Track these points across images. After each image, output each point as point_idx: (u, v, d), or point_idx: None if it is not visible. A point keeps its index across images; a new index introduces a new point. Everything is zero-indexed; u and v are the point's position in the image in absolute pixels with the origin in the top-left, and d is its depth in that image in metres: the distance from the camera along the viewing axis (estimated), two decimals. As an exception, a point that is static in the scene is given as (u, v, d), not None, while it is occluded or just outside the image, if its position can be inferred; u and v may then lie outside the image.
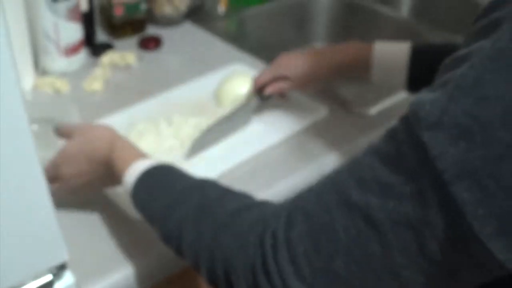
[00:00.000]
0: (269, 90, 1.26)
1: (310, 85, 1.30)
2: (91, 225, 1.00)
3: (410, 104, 0.57)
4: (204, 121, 1.23)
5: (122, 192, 0.92)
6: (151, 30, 1.62)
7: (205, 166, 1.12)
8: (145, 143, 1.15)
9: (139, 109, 1.27)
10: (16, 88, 0.53)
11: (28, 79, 1.30)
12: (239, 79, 1.32)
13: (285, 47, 1.80)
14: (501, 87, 0.51)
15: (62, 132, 1.01)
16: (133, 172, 0.86)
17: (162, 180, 0.84)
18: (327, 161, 1.18)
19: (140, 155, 0.90)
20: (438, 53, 1.10)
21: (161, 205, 0.81)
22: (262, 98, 1.28)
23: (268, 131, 1.25)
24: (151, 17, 1.63)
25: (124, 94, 1.34)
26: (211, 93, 1.35)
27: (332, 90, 1.39)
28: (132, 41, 1.56)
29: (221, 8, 1.72)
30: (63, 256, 0.66)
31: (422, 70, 1.14)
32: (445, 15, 2.09)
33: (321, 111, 1.30)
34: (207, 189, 0.80)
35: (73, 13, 1.34)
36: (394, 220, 0.57)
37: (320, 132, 1.25)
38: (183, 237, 0.76)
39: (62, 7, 1.31)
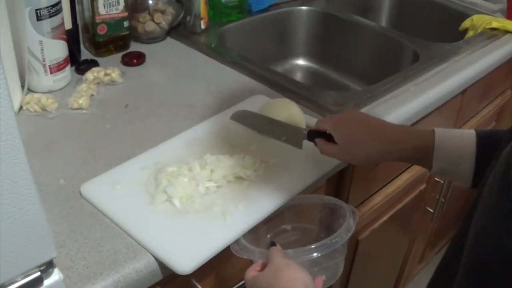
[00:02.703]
0: (317, 141, 1.14)
1: (351, 158, 1.14)
2: (89, 225, 1.02)
3: None
4: (239, 160, 1.16)
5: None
6: (134, 47, 1.66)
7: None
8: (179, 188, 1.07)
9: (164, 148, 1.22)
10: (5, 93, 0.56)
11: (16, 97, 1.31)
12: (279, 105, 1.30)
13: (266, 60, 1.83)
14: None
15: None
16: None
17: None
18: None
19: None
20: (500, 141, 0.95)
21: None
22: (311, 138, 1.16)
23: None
24: (133, 35, 1.66)
25: (110, 110, 1.37)
26: (239, 126, 1.30)
27: (313, 98, 1.42)
28: (116, 57, 1.59)
29: (203, 25, 1.75)
30: (51, 253, 0.68)
31: (488, 160, 0.95)
32: (422, 23, 2.13)
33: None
34: None
35: (58, 31, 1.37)
36: None
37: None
38: None
39: (47, 25, 1.33)
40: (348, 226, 1.02)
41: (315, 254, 0.97)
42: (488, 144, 1.02)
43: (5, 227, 0.61)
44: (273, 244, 0.98)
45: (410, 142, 1.08)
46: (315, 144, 1.15)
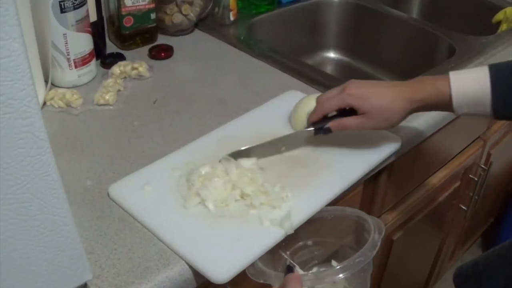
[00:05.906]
0: (332, 126, 1.11)
1: (383, 121, 1.09)
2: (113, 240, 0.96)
3: None
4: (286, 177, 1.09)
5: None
6: (160, 39, 1.61)
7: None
8: (213, 190, 1.01)
9: (195, 147, 1.16)
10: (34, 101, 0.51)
11: (39, 93, 1.27)
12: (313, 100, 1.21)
13: (296, 52, 1.79)
14: None
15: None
16: None
17: None
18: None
19: None
20: None
21: None
22: (320, 131, 1.13)
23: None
24: (160, 27, 1.62)
25: (137, 106, 1.32)
26: (273, 124, 1.24)
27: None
28: (143, 50, 1.55)
29: (232, 16, 1.70)
30: (85, 276, 0.63)
31: (507, 92, 1.03)
32: (453, 15, 2.08)
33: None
34: None
35: (82, 24, 1.32)
36: None
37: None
38: None
39: (71, 17, 1.28)
40: (373, 243, 0.93)
41: (338, 276, 0.88)
42: (504, 77, 1.03)
43: (35, 251, 0.56)
44: (290, 269, 0.89)
45: (424, 93, 1.07)
46: (328, 131, 1.11)
